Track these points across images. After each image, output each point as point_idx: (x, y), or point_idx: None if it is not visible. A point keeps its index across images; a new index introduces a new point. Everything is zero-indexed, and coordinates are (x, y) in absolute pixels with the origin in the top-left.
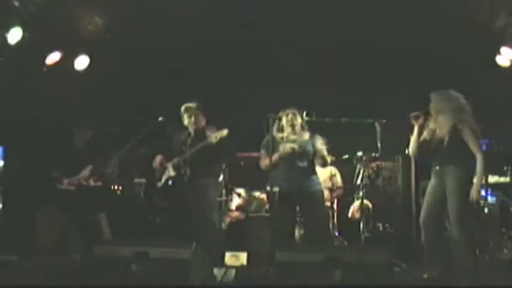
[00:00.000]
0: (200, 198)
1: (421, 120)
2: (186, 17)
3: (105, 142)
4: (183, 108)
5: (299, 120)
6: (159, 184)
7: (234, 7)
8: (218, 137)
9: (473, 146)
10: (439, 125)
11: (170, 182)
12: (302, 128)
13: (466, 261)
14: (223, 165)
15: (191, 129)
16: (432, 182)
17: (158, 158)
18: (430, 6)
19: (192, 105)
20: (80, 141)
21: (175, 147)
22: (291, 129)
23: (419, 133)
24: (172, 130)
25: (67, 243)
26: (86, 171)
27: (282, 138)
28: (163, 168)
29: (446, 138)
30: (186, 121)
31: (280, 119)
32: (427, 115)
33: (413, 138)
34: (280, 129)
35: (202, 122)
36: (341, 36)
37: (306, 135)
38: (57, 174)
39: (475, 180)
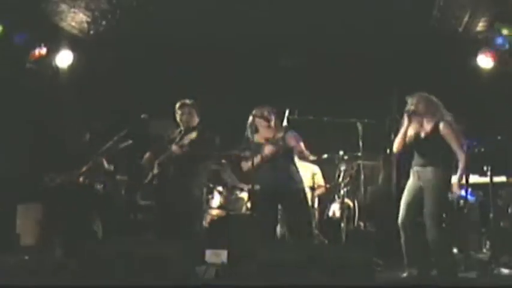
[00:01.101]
0: (183, 196)
1: (413, 117)
2: (173, 14)
3: (89, 139)
4: (178, 104)
5: (273, 117)
6: (145, 181)
7: (225, 5)
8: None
9: (454, 145)
10: (418, 126)
11: (155, 180)
12: (276, 125)
13: (445, 260)
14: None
15: (182, 127)
16: (410, 182)
17: (147, 155)
18: (412, 10)
19: (188, 101)
20: (64, 138)
21: (165, 145)
22: (265, 128)
23: (407, 130)
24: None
25: (51, 240)
26: (71, 168)
27: (260, 143)
28: (152, 166)
29: (426, 139)
30: (178, 117)
31: (254, 117)
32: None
33: (401, 134)
34: (255, 129)
35: (195, 120)
36: (325, 37)
37: (281, 133)
38: (40, 171)
39: (455, 179)
